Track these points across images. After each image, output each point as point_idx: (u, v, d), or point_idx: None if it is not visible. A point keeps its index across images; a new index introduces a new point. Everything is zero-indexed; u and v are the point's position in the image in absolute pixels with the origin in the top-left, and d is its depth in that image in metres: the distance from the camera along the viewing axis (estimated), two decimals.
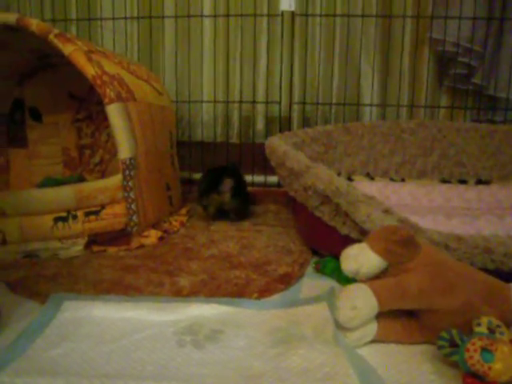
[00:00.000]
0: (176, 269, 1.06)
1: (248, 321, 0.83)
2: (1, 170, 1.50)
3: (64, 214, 1.13)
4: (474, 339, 0.66)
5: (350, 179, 1.50)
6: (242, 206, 1.43)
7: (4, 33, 1.17)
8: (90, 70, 1.15)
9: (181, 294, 0.93)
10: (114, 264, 1.09)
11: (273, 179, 1.81)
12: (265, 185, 1.80)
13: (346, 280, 0.94)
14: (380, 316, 0.75)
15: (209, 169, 1.45)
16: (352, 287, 0.75)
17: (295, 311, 0.85)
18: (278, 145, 1.20)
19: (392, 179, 1.54)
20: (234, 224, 1.40)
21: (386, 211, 0.90)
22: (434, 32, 1.71)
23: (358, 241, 0.88)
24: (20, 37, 1.20)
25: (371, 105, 1.80)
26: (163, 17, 1.81)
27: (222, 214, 1.42)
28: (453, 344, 0.68)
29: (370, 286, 0.74)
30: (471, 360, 0.64)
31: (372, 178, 1.53)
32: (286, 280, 1.00)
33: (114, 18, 1.81)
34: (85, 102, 1.62)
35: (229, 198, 1.38)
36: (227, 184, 1.38)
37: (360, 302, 0.72)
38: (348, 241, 0.94)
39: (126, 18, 1.81)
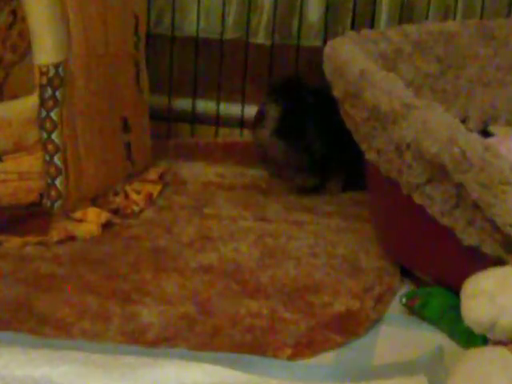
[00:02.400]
0: (135, 289, 1.07)
1: None
2: None
3: None
4: None
5: (485, 133, 1.49)
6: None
7: None
8: None
9: (142, 340, 0.95)
10: (16, 270, 1.11)
11: None
12: None
13: (466, 336, 0.94)
14: None
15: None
16: (480, 355, 0.75)
17: None
18: (350, 55, 1.19)
19: None
20: (249, 205, 1.41)
21: None
22: None
23: (498, 262, 0.89)
24: None
25: None
26: None
27: None
28: None
29: None
30: None
31: None
32: (349, 326, 1.01)
33: None
34: None
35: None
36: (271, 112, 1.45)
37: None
38: (476, 259, 0.94)
39: None
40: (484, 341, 0.82)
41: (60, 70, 1.19)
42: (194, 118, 1.82)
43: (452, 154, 0.96)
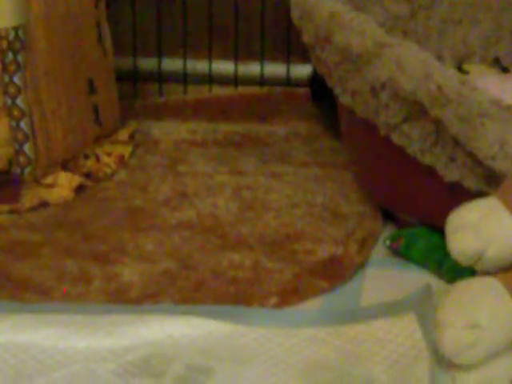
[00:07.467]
0: (114, 249, 1.08)
1: (260, 350, 0.85)
2: None
3: None
4: None
5: (460, 69, 1.49)
6: None
7: None
8: None
9: (125, 298, 0.95)
10: None
11: (302, 70, 1.81)
12: (287, 81, 1.81)
13: (454, 271, 0.95)
14: None
15: None
16: (469, 286, 0.76)
17: (353, 332, 0.87)
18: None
19: None
20: (223, 160, 1.41)
21: None
22: None
23: (480, 194, 0.89)
24: None
25: None
26: None
27: None
28: None
29: (507, 285, 0.75)
30: None
31: (505, 69, 1.53)
32: (334, 271, 1.02)
33: None
34: None
35: None
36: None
37: (486, 314, 0.73)
38: (459, 195, 0.94)
39: None
40: (472, 274, 0.83)
41: (20, 32, 1.18)
42: (161, 77, 1.81)
43: (428, 90, 0.97)
